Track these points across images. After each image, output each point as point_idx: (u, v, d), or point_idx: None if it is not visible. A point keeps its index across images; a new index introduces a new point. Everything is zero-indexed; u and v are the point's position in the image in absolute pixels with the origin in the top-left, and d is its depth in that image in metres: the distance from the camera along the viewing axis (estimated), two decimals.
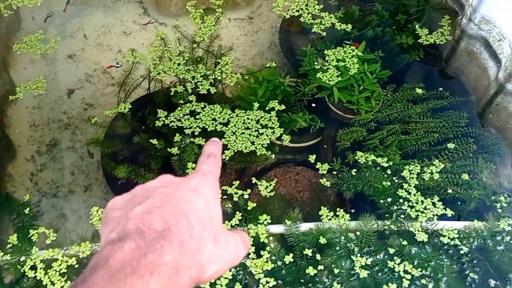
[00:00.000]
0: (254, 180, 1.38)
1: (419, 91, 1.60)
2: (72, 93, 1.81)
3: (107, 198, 1.56)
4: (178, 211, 0.35)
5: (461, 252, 1.26)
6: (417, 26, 1.73)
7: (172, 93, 1.50)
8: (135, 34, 1.94)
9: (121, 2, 2.03)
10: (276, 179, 1.46)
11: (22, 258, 1.19)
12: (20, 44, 1.72)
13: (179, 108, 1.46)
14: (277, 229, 1.29)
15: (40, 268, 1.17)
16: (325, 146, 1.55)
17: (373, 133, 1.57)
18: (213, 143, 0.47)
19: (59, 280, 1.16)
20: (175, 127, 1.43)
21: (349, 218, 1.30)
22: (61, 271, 1.17)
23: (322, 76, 1.57)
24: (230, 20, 1.96)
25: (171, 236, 0.33)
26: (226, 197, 1.33)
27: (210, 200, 0.38)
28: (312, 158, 1.45)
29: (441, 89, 1.61)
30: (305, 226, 1.29)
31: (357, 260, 1.23)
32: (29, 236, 1.24)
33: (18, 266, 1.17)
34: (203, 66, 1.57)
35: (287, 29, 1.86)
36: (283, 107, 1.50)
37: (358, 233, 1.27)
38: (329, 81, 1.57)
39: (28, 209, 1.31)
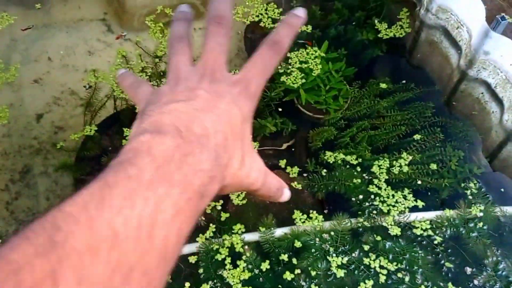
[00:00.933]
0: None
1: (383, 85, 1.61)
2: (41, 117, 1.79)
3: None
4: (217, 122, 0.32)
5: (435, 242, 1.28)
6: (376, 21, 1.74)
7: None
8: (100, 53, 1.92)
9: (84, 21, 2.01)
10: None
11: None
12: None
13: None
14: (252, 237, 1.29)
15: None
16: (293, 149, 1.55)
17: (344, 131, 1.57)
18: (287, 27, 0.38)
19: None
20: None
21: (323, 219, 1.31)
22: None
23: (287, 80, 1.58)
24: (196, 30, 1.94)
25: (208, 144, 0.31)
26: None
27: (246, 118, 0.34)
28: (282, 163, 1.45)
29: (404, 81, 1.62)
30: (279, 231, 1.29)
31: (333, 260, 1.24)
32: None
33: None
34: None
35: (252, 34, 1.86)
36: None
37: (332, 233, 1.28)
38: (294, 83, 1.57)
39: (0, 241, 1.29)
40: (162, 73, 1.58)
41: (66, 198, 0.27)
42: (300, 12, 0.39)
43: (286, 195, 0.39)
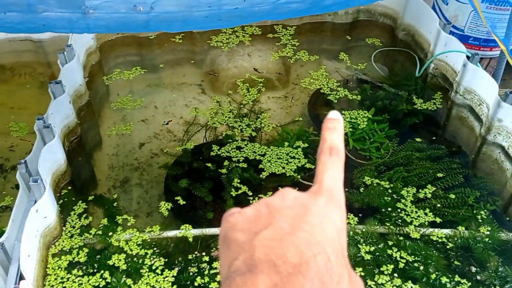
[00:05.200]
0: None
1: (418, 139, 2.20)
2: (142, 145, 2.52)
3: (165, 222, 2.14)
4: (313, 241, 0.31)
5: (448, 247, 1.73)
6: (414, 97, 2.41)
7: (223, 137, 2.18)
8: (194, 106, 2.70)
9: (185, 85, 2.85)
10: None
11: (110, 234, 1.77)
12: (116, 103, 2.51)
13: (228, 144, 2.12)
14: None
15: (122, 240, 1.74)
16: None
17: (383, 174, 2.14)
18: (333, 122, 0.41)
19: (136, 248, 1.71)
20: (225, 156, 2.08)
21: (357, 221, 1.82)
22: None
23: None
24: (269, 98, 2.71)
25: (310, 272, 0.30)
26: None
27: (342, 228, 0.35)
28: None
29: (434, 138, 2.21)
30: None
31: (362, 248, 1.72)
32: (115, 220, 1.83)
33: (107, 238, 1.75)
34: (247, 119, 2.27)
35: (314, 104, 2.58)
36: (306, 145, 2.14)
37: (364, 230, 1.78)
38: None
39: (115, 203, 1.92)
40: (244, 114, 2.30)
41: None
42: (336, 115, 0.42)
43: None
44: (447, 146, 2.23)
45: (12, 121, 2.64)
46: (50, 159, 1.87)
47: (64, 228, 1.83)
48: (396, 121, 2.37)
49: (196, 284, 1.63)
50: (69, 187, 2.03)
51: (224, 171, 2.03)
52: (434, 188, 1.96)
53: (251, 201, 1.92)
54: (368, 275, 1.65)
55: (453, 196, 1.92)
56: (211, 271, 1.67)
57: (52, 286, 1.62)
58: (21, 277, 1.55)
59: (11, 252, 1.68)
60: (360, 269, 1.66)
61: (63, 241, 1.78)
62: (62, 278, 1.65)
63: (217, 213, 1.93)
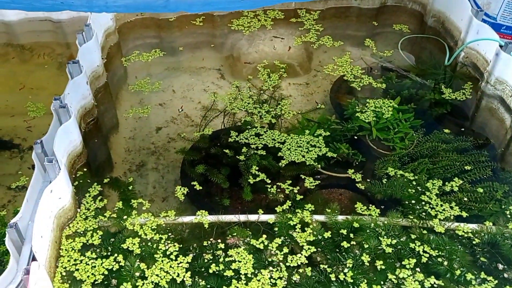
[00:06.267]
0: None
1: (445, 130, 2.14)
2: (159, 130, 2.50)
3: (181, 208, 2.12)
4: None
5: (474, 242, 1.68)
6: (442, 86, 2.33)
7: (242, 123, 2.15)
8: (212, 91, 2.67)
9: (204, 69, 2.82)
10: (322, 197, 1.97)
11: (125, 217, 1.76)
12: (134, 85, 2.50)
13: (247, 131, 2.09)
14: (319, 218, 1.78)
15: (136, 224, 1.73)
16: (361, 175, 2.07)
17: (406, 165, 2.08)
18: None
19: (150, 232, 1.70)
20: (243, 143, 2.04)
21: (379, 213, 1.77)
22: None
23: (361, 115, 2.17)
24: (290, 84, 2.66)
25: None
26: (279, 190, 1.86)
27: None
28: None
29: (463, 129, 2.14)
30: (342, 216, 1.78)
31: (384, 240, 1.68)
32: (130, 203, 1.82)
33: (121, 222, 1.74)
34: (267, 105, 2.23)
35: (336, 91, 2.52)
36: (328, 133, 2.09)
37: (386, 222, 1.73)
38: (366, 119, 2.16)
39: (131, 186, 1.91)
40: (264, 101, 2.25)
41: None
42: None
43: None
44: (475, 138, 2.15)
45: (29, 101, 2.65)
46: (66, 139, 1.86)
47: (78, 210, 1.83)
48: (422, 111, 2.30)
49: (210, 271, 1.61)
50: (85, 169, 2.03)
51: (242, 157, 2.00)
52: (461, 181, 1.90)
53: (269, 189, 1.88)
54: (389, 268, 1.61)
55: (480, 190, 1.86)
56: (226, 259, 1.65)
57: (65, 268, 1.62)
58: (33, 258, 1.54)
59: (25, 232, 1.68)
60: (381, 262, 1.62)
61: (78, 223, 1.77)
62: (75, 260, 1.65)
63: (233, 200, 1.90)
